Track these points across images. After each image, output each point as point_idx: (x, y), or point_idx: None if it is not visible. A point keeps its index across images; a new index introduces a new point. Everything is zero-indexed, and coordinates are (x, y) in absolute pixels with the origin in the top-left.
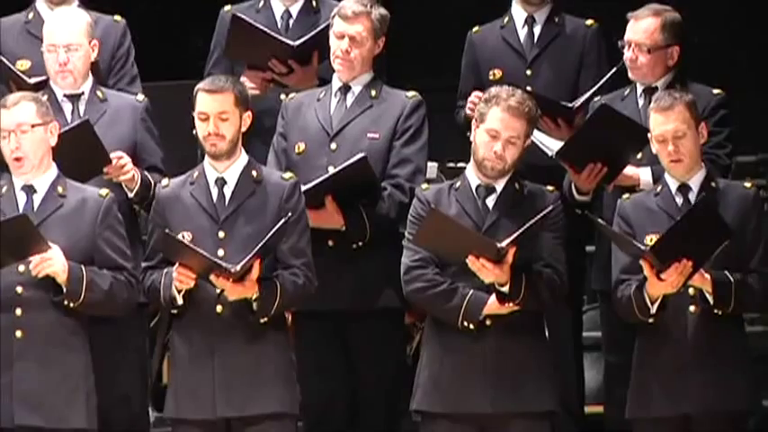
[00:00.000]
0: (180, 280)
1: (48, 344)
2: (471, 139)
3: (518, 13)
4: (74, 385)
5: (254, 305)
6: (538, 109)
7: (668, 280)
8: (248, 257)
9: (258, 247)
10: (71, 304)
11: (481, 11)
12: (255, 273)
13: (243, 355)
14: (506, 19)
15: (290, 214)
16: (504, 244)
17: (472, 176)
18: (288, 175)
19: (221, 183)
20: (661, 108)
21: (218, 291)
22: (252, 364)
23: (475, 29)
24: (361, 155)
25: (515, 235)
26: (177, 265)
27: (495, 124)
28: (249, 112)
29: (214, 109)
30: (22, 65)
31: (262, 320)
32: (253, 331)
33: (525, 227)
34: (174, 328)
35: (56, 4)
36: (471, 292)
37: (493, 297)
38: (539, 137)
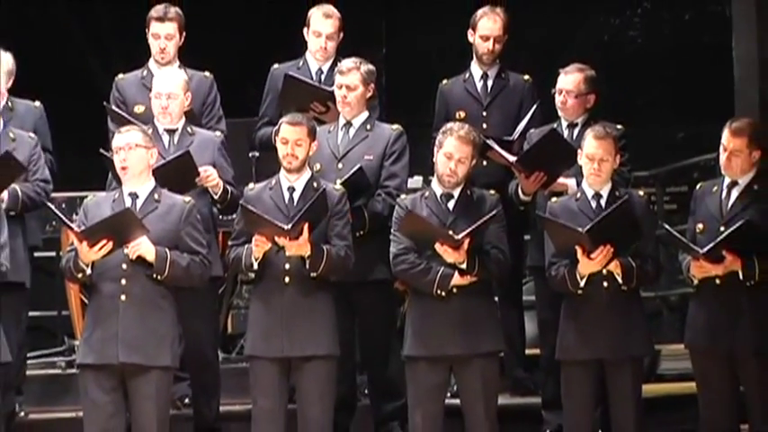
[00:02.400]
0: (257, 245)
1: (144, 305)
2: (434, 160)
3: (476, 70)
4: (162, 335)
5: (307, 262)
6: (481, 138)
7: (596, 259)
8: (295, 220)
9: (302, 213)
10: (158, 277)
11: (450, 69)
12: (305, 233)
13: (303, 312)
14: (467, 74)
15: (322, 188)
16: (460, 236)
17: (436, 187)
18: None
19: (291, 190)
20: (597, 136)
21: (281, 256)
22: (310, 318)
23: (444, 81)
24: (357, 166)
25: (469, 230)
26: (256, 234)
27: (450, 149)
28: (316, 142)
29: (293, 136)
30: (139, 108)
31: (312, 275)
32: (310, 295)
33: (476, 225)
34: (253, 293)
35: (163, 65)
36: (442, 269)
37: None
38: (501, 152)
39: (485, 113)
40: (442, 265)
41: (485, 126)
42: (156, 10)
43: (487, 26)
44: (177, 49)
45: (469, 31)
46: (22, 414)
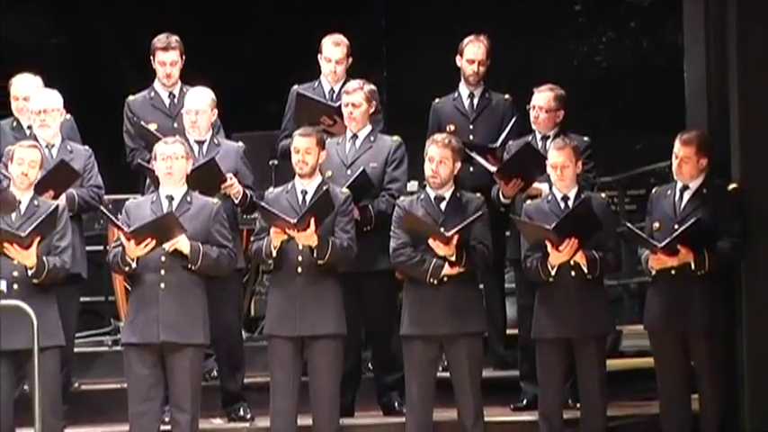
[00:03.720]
0: (275, 233)
1: (180, 292)
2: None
3: (463, 90)
4: (196, 317)
5: (315, 252)
6: (459, 143)
7: (563, 251)
8: (302, 215)
9: (308, 208)
10: (193, 267)
11: (441, 89)
12: (312, 226)
13: (314, 297)
14: (456, 94)
15: (326, 187)
16: (450, 233)
17: (429, 191)
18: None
19: (304, 193)
20: (557, 147)
21: (295, 249)
22: (320, 302)
23: (437, 100)
24: (361, 168)
25: (457, 228)
26: (273, 227)
27: (432, 153)
28: (325, 151)
29: (303, 146)
30: (152, 126)
31: (320, 262)
32: (320, 282)
33: (464, 223)
34: (271, 281)
35: (168, 87)
36: (434, 260)
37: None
38: (482, 162)
39: (471, 127)
40: (434, 258)
41: (471, 137)
42: (160, 40)
43: (473, 51)
44: (180, 72)
45: (457, 57)
46: (76, 385)
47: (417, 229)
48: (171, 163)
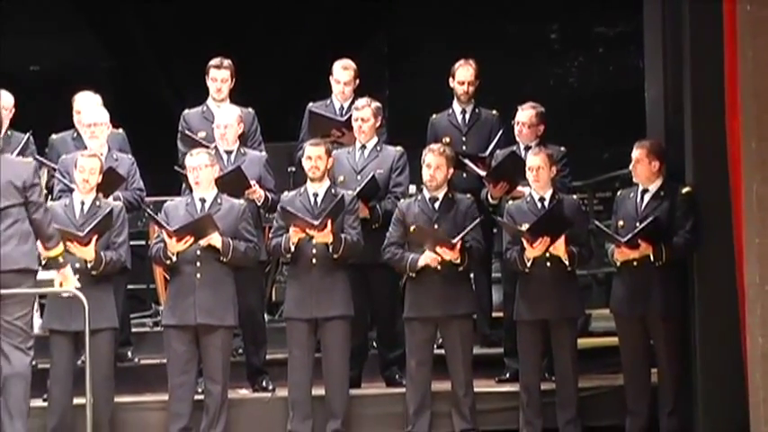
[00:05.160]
0: (294, 232)
1: (214, 281)
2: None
3: (456, 107)
4: (227, 302)
5: (330, 247)
6: (452, 152)
7: (537, 248)
8: (323, 217)
9: (327, 211)
10: (224, 260)
11: (437, 107)
12: (330, 226)
13: (326, 285)
14: (450, 110)
15: (341, 194)
16: (455, 241)
17: (426, 192)
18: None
19: (315, 195)
20: (533, 153)
21: (310, 244)
22: (331, 289)
23: (433, 116)
24: (371, 174)
25: (461, 235)
26: (292, 226)
27: (428, 160)
28: (332, 159)
29: (314, 154)
30: (201, 134)
31: (335, 256)
32: (331, 272)
33: (465, 231)
34: (289, 271)
35: (219, 101)
36: (411, 256)
37: (422, 256)
38: (474, 168)
39: (464, 138)
40: (411, 254)
41: (464, 147)
42: (214, 60)
43: (463, 74)
44: (229, 90)
45: (450, 78)
46: (137, 360)
47: (425, 238)
48: (198, 173)
